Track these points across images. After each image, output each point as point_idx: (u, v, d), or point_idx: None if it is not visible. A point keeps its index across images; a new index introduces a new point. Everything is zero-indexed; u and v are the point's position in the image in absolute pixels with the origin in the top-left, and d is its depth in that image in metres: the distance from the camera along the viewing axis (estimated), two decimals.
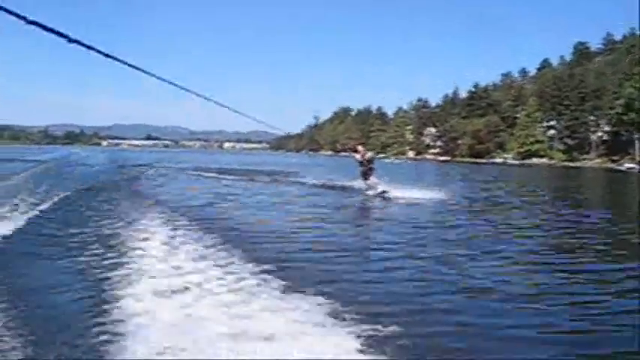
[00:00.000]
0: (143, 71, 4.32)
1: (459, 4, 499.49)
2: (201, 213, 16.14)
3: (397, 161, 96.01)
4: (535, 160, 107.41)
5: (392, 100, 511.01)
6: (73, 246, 10.68)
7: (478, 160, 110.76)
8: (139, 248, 9.97)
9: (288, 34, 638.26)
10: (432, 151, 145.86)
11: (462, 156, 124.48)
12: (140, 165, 46.54)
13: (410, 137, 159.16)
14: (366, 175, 22.45)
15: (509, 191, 28.52)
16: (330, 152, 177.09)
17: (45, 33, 2.99)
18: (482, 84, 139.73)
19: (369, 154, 23.39)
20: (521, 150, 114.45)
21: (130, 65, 3.98)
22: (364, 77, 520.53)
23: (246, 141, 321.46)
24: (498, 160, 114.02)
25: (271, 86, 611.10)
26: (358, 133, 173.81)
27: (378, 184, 21.98)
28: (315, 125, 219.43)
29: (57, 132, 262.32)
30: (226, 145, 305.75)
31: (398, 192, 21.47)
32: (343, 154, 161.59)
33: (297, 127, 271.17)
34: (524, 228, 13.98)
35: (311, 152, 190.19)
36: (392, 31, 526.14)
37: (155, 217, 14.14)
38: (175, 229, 12.14)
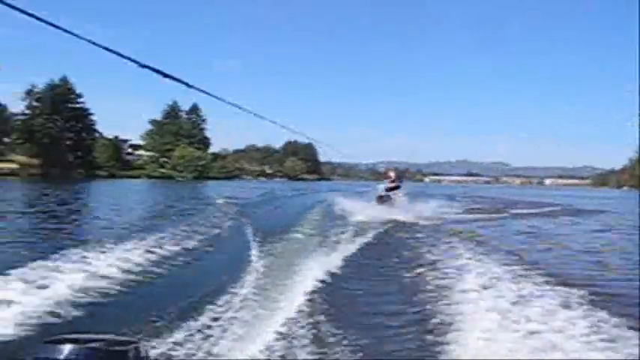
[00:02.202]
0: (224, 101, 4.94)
1: None
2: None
3: None
4: None
5: None
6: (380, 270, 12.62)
7: None
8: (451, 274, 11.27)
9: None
10: None
11: None
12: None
13: None
14: (387, 195, 27.40)
15: None
16: None
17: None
18: None
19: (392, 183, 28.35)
20: None
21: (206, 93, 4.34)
22: None
23: (569, 177, 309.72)
24: None
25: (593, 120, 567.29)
26: None
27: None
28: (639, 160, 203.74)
29: (384, 169, 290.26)
30: (547, 181, 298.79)
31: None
32: None
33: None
34: None
35: (627, 188, 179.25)
36: None
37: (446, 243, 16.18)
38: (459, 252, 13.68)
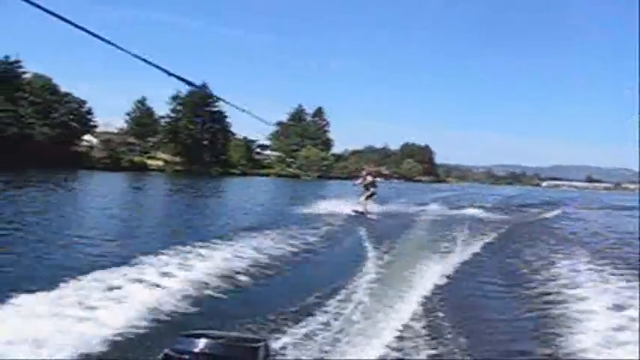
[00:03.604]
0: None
1: None
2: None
3: None
4: None
5: None
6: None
7: None
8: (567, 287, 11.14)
9: None
10: None
11: None
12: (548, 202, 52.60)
13: None
14: (364, 195, 26.66)
15: None
16: None
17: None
18: None
19: (370, 179, 27.20)
20: None
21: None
22: None
23: None
24: None
25: None
26: None
27: (365, 204, 26.06)
28: None
29: (500, 172, 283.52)
30: None
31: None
32: None
33: None
34: None
35: None
36: None
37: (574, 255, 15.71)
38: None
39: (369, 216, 25.30)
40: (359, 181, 27.76)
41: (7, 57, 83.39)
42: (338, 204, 28.09)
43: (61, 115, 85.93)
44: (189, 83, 3.71)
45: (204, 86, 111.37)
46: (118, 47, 3.19)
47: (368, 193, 26.79)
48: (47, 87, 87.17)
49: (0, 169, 49.11)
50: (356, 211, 25.49)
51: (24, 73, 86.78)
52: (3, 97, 77.81)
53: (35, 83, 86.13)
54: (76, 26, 2.91)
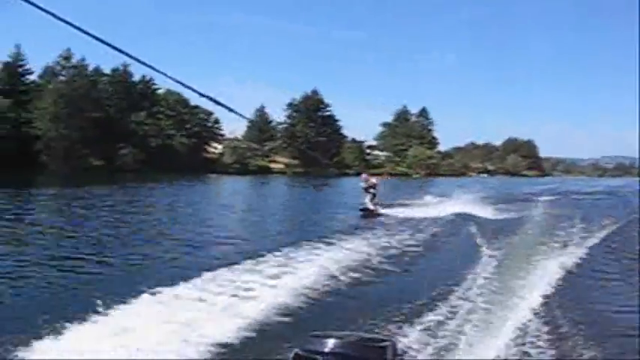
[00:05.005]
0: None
1: None
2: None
3: None
4: None
5: None
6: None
7: None
8: None
9: None
10: None
11: None
12: None
13: None
14: (367, 196, 27.88)
15: None
16: None
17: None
18: None
19: (374, 181, 28.61)
20: None
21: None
22: None
23: None
24: None
25: None
26: None
27: (372, 205, 27.29)
28: None
29: (608, 164, 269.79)
30: None
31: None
32: None
33: None
34: None
35: None
36: None
37: None
38: None
39: (380, 211, 27.12)
40: (363, 184, 28.91)
41: (143, 76, 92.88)
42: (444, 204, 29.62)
43: (193, 125, 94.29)
44: (217, 103, 3.73)
45: (314, 92, 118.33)
46: (143, 63, 3.25)
47: (370, 196, 28.11)
48: (179, 101, 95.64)
49: (144, 175, 56.12)
50: (364, 210, 27.28)
51: (158, 89, 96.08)
52: (145, 112, 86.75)
53: (169, 98, 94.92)
54: (90, 35, 2.89)
